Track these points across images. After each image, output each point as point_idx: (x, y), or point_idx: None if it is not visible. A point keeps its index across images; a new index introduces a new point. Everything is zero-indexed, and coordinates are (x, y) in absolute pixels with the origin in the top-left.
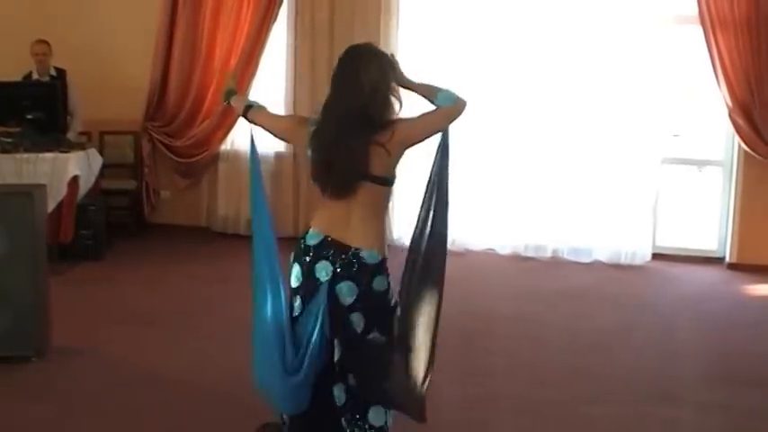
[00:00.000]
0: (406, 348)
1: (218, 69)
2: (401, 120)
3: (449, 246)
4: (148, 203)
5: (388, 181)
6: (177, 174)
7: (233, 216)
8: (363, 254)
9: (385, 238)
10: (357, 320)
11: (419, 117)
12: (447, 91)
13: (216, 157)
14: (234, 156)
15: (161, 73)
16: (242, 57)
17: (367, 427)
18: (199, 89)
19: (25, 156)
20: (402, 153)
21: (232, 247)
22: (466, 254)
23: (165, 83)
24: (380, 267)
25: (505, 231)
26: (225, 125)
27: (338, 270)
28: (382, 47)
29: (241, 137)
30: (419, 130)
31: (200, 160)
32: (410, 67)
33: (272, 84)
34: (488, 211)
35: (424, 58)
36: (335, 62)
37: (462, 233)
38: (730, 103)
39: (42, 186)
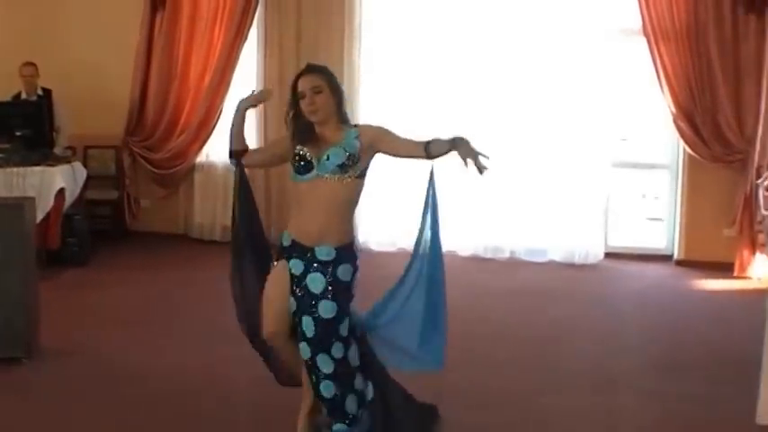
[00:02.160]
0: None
1: (193, 87)
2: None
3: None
4: (129, 212)
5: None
6: (156, 184)
7: (209, 223)
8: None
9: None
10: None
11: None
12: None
13: (192, 169)
14: (209, 167)
15: (140, 91)
16: (215, 76)
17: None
18: (175, 106)
19: (15, 170)
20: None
21: (208, 253)
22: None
23: (144, 100)
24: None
25: (465, 234)
26: (200, 139)
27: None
28: (345, 68)
29: (215, 149)
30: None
31: (177, 171)
32: (373, 86)
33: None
34: (450, 214)
35: (387, 76)
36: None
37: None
38: (674, 110)
39: (31, 199)
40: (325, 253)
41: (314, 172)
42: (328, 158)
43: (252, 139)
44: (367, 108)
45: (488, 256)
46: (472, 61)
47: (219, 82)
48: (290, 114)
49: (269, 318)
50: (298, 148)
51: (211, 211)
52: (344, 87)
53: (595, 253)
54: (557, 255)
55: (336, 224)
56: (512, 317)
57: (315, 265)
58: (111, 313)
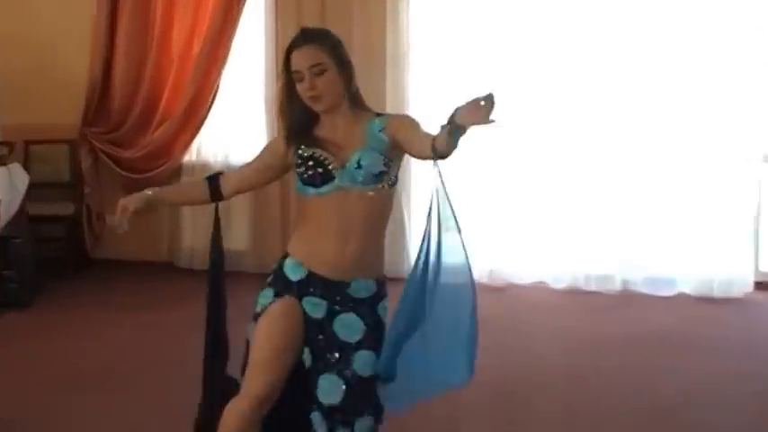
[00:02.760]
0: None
1: (177, 58)
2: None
3: (482, 279)
4: (91, 233)
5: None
6: (127, 192)
7: (201, 247)
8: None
9: None
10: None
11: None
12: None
13: (178, 171)
14: (201, 168)
15: (102, 66)
16: (207, 44)
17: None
18: (152, 85)
19: None
20: None
21: (201, 287)
22: (507, 288)
23: (109, 78)
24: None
25: (560, 258)
26: (188, 129)
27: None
28: (389, 41)
29: (210, 144)
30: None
31: (157, 175)
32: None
33: (244, 86)
34: (537, 232)
35: (444, 52)
36: None
37: (502, 262)
38: None
39: None
40: (363, 289)
41: (336, 182)
42: (359, 165)
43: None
44: (416, 96)
45: (592, 288)
46: (567, 32)
47: (213, 52)
48: (283, 101)
49: (262, 377)
50: (303, 149)
51: (205, 231)
52: (388, 68)
53: (742, 283)
54: (688, 286)
55: (375, 250)
56: (627, 377)
57: (349, 304)
58: (65, 373)
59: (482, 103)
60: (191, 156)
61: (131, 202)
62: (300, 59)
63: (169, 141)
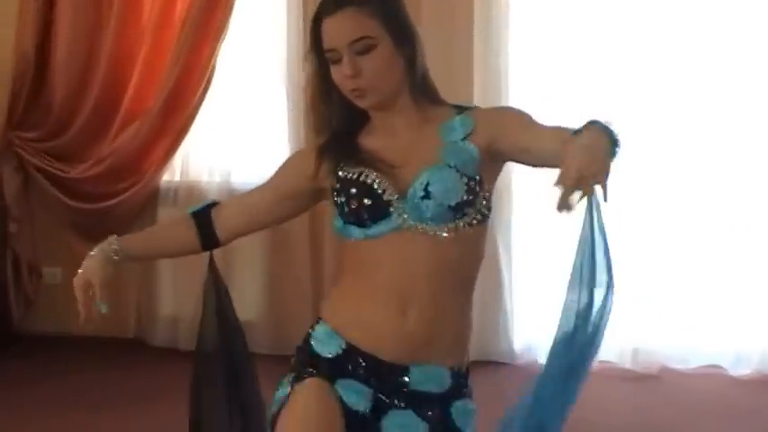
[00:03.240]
0: None
1: (152, 25)
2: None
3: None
4: (19, 295)
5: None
6: (75, 233)
7: (188, 315)
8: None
9: None
10: None
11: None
12: None
13: (152, 198)
14: (187, 192)
15: (36, 36)
16: (195, 11)
17: None
18: (113, 66)
19: None
20: None
21: (187, 377)
22: (662, 376)
23: (46, 55)
24: None
25: (742, 331)
26: (168, 133)
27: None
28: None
29: (201, 156)
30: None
31: (121, 205)
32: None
33: (254, 70)
34: (705, 293)
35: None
36: None
37: (652, 337)
38: None
39: None
40: (431, 380)
41: (393, 219)
42: (427, 192)
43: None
44: (517, 83)
45: None
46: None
47: (205, 18)
48: (314, 95)
49: None
50: (343, 169)
51: (192, 289)
52: (476, 42)
53: None
54: None
55: (453, 321)
56: None
57: (407, 399)
58: None
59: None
60: (172, 174)
61: (92, 272)
62: (335, 32)
63: (139, 152)
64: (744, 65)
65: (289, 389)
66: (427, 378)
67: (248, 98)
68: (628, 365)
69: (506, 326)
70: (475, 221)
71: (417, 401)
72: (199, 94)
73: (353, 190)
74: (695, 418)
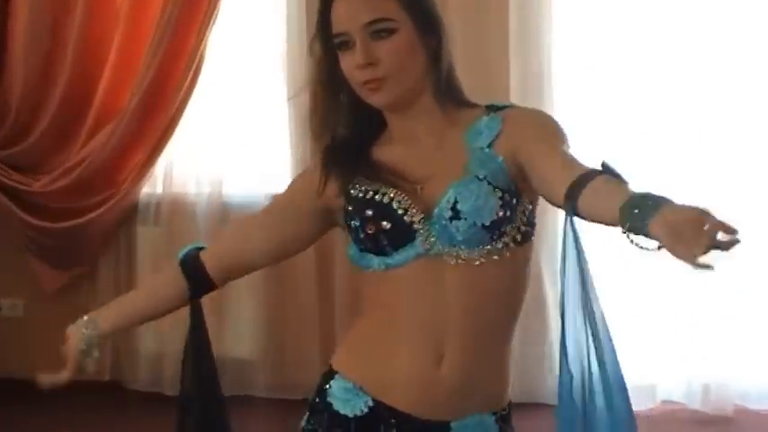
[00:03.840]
0: None
1: (127, 7)
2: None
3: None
4: None
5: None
6: (39, 258)
7: (178, 354)
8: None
9: None
10: None
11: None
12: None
13: (130, 214)
14: (171, 206)
15: None
16: None
17: None
18: (82, 57)
19: None
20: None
21: (170, 425)
22: (735, 418)
23: (1, 45)
24: None
25: None
26: (147, 137)
27: None
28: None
29: (184, 165)
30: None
31: (92, 223)
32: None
33: (249, 62)
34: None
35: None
36: None
37: (725, 373)
38: None
39: None
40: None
41: (419, 243)
42: (456, 211)
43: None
44: (562, 85)
45: None
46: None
47: (190, 5)
48: (318, 92)
49: None
50: (357, 187)
51: (183, 321)
52: (512, 37)
53: None
54: None
55: (493, 364)
56: None
57: None
58: None
59: (706, 226)
60: (153, 186)
61: (68, 350)
62: (348, 11)
63: (113, 160)
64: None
65: None
66: (473, 429)
67: (243, 95)
68: (697, 406)
69: (552, 364)
70: (514, 243)
71: None
72: (183, 90)
73: (369, 212)
74: None
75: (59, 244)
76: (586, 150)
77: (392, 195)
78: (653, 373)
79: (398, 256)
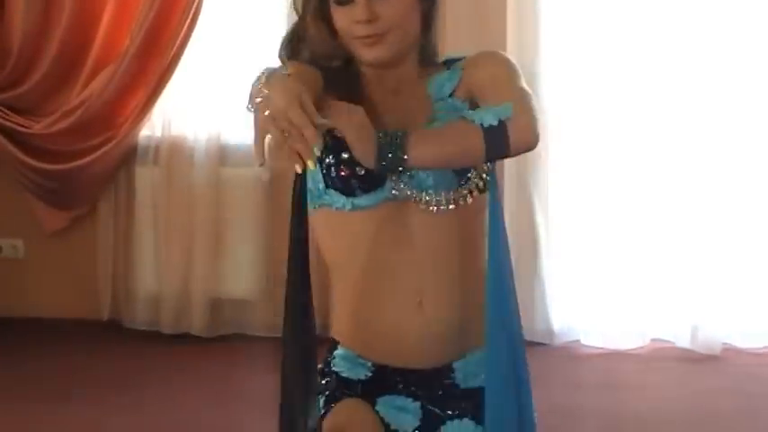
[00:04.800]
0: None
1: None
2: None
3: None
4: None
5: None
6: (39, 199)
7: (175, 294)
8: None
9: None
10: None
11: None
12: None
13: (130, 155)
14: (170, 149)
15: None
16: None
17: None
18: (78, 3)
19: None
20: None
21: (171, 364)
22: (725, 357)
23: None
24: None
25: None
26: (146, 79)
27: None
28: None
29: (186, 108)
30: None
31: (92, 165)
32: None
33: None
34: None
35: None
36: None
37: (712, 315)
38: None
39: None
40: (473, 370)
41: (388, 187)
42: None
43: None
44: (550, 50)
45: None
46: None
47: None
48: (305, 33)
49: None
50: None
51: (181, 262)
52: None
53: None
54: None
55: (475, 299)
56: None
57: (461, 405)
58: None
59: None
60: (152, 129)
61: (297, 90)
62: None
63: (113, 103)
64: None
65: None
66: (477, 369)
67: (243, 37)
68: (686, 345)
69: (543, 302)
70: (477, 189)
71: (471, 404)
72: (182, 33)
73: (345, 155)
74: (764, 405)
75: (59, 185)
76: (576, 144)
77: None
78: (643, 313)
79: (367, 198)
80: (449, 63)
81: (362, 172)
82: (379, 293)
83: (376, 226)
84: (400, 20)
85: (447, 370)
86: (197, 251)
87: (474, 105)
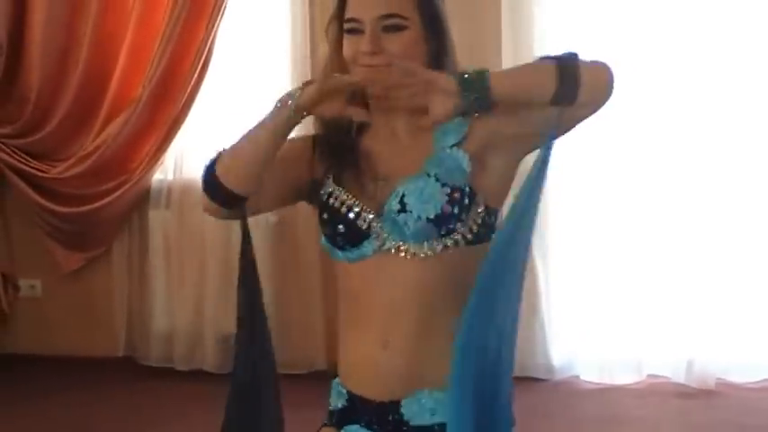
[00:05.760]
0: None
1: (139, 5)
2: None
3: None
4: None
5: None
6: (56, 240)
7: (188, 331)
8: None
9: None
10: None
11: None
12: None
13: (143, 199)
14: (182, 192)
15: (10, 20)
16: None
17: None
18: (96, 52)
19: None
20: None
21: (185, 399)
22: (720, 392)
23: (21, 41)
24: None
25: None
26: (158, 126)
27: None
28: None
29: (196, 152)
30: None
31: (106, 208)
32: None
33: (258, 53)
34: (764, 305)
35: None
36: None
37: (708, 350)
38: None
39: None
40: (427, 409)
41: (372, 240)
42: (403, 205)
43: None
44: None
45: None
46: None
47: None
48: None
49: None
50: (325, 186)
51: (193, 300)
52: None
53: None
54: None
55: (440, 346)
56: None
57: None
58: None
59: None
60: (164, 173)
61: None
62: (365, 1)
63: (127, 148)
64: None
65: None
66: (423, 409)
67: (251, 85)
68: (681, 380)
69: (543, 339)
70: (465, 242)
71: None
72: (193, 80)
73: (325, 215)
74: None
75: (75, 227)
76: (573, 179)
77: (343, 199)
78: (640, 348)
79: (357, 252)
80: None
81: (343, 229)
82: (357, 327)
83: (365, 274)
84: (402, 55)
85: (395, 406)
86: (208, 290)
87: (482, 161)
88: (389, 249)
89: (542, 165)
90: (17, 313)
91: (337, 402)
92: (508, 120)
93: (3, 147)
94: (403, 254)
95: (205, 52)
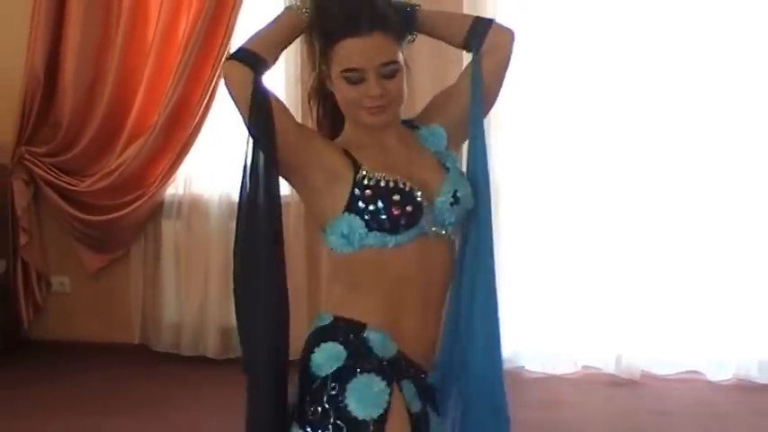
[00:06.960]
0: None
1: (156, 45)
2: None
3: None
4: (29, 302)
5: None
6: (83, 244)
7: (194, 323)
8: None
9: None
10: None
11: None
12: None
13: (157, 210)
14: (191, 205)
15: (46, 58)
16: (200, 18)
17: None
18: (119, 84)
19: None
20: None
21: (190, 381)
22: (643, 382)
23: (55, 75)
24: None
25: (722, 338)
26: (171, 147)
27: None
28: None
29: (204, 170)
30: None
31: (126, 217)
32: None
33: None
34: (685, 306)
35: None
36: None
37: (634, 345)
38: None
39: None
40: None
41: (422, 224)
42: (456, 198)
43: None
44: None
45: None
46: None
47: (208, 35)
48: (317, 111)
49: None
50: (372, 177)
51: (198, 297)
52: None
53: None
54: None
55: (440, 320)
56: None
57: (436, 402)
58: None
59: None
60: (176, 187)
61: None
62: (365, 53)
63: (144, 167)
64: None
65: (357, 374)
66: (434, 383)
67: None
68: (611, 371)
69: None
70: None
71: (438, 404)
72: (201, 110)
73: (396, 196)
74: (675, 422)
75: (99, 233)
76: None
77: (408, 184)
78: (576, 343)
79: (406, 234)
80: (407, 122)
81: (410, 209)
82: (407, 303)
83: (411, 255)
84: (399, 94)
85: (425, 376)
86: (211, 287)
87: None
88: (430, 234)
89: (474, 79)
90: (48, 306)
91: (386, 352)
92: (455, 104)
93: (38, 164)
94: (441, 238)
95: (212, 86)
